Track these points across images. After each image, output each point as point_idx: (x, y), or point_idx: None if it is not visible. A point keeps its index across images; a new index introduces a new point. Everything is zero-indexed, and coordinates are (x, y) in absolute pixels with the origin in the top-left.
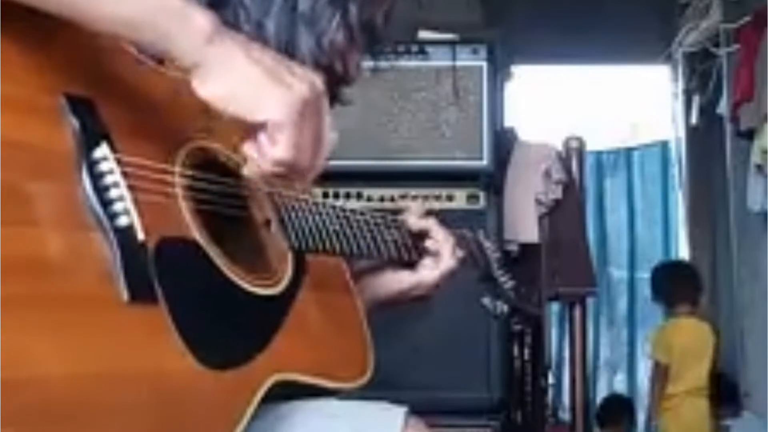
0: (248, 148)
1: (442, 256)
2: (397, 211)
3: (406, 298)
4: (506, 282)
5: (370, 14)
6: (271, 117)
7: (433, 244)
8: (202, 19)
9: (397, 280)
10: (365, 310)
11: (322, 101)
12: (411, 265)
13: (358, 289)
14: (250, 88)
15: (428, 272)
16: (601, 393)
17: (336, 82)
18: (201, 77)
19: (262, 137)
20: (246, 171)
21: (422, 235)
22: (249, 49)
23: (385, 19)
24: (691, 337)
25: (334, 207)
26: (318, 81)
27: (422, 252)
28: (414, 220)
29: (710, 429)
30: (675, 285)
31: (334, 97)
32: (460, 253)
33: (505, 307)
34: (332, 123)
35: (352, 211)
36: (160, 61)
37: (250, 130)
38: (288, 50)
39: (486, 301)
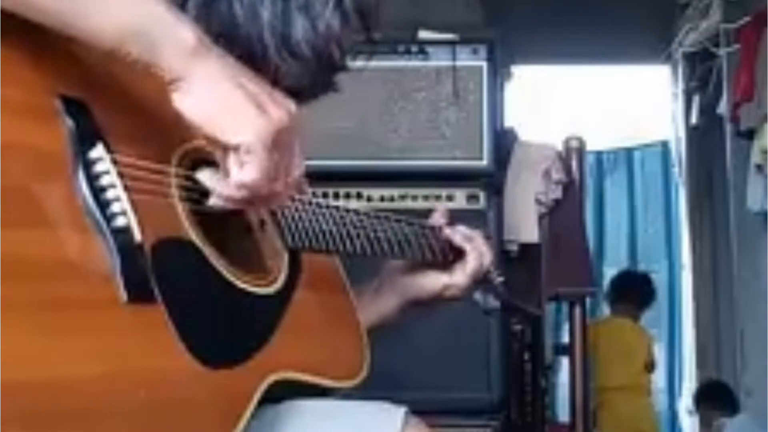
0: (204, 178)
1: (467, 256)
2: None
3: (442, 299)
4: (497, 278)
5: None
6: (245, 140)
7: (459, 241)
8: (188, 33)
9: (431, 282)
10: (398, 308)
11: (296, 131)
12: (441, 266)
13: (391, 287)
14: (228, 109)
15: (459, 273)
16: None
17: (331, 70)
18: (181, 91)
19: (231, 159)
20: (210, 202)
21: (446, 237)
22: (232, 69)
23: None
24: (619, 336)
25: (329, 206)
26: (294, 108)
27: (447, 254)
28: (436, 221)
29: (654, 424)
30: (620, 292)
31: (330, 85)
32: (485, 250)
33: (497, 303)
34: (301, 159)
35: (347, 210)
36: None
37: (218, 148)
38: (284, 37)
39: (477, 295)
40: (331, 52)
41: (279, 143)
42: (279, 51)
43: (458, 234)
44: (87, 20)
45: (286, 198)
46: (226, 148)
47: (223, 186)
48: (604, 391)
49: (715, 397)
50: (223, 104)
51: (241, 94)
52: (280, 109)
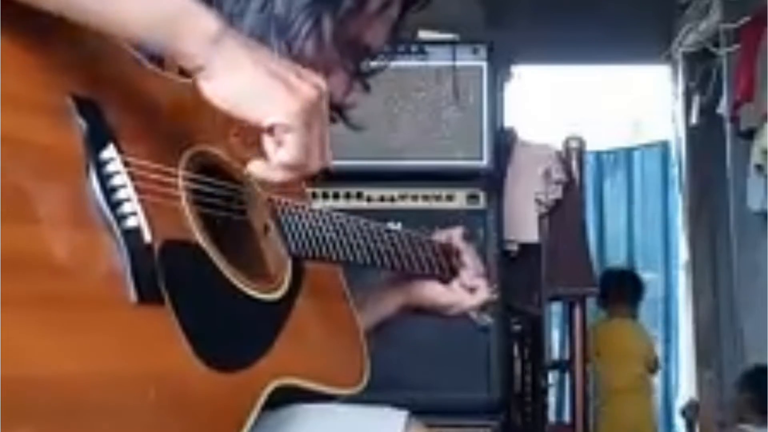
0: (253, 166)
1: (478, 288)
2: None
3: (444, 314)
4: (491, 294)
5: (356, 32)
6: (279, 120)
7: (465, 261)
8: (210, 20)
9: (436, 295)
10: (400, 308)
11: (326, 103)
12: (440, 281)
13: (396, 288)
14: (257, 90)
15: (468, 297)
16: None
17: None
18: (207, 78)
19: (268, 142)
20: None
21: (451, 254)
22: (256, 53)
23: (391, 36)
24: (624, 338)
25: (331, 215)
26: (322, 83)
27: (445, 269)
28: (445, 238)
29: (654, 426)
30: (615, 292)
31: None
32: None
33: (491, 319)
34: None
35: (348, 220)
36: (160, 64)
37: (253, 132)
38: None
39: (471, 312)
40: None
41: (312, 118)
42: None
43: (464, 273)
44: (109, 12)
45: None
46: (257, 131)
47: (266, 168)
48: (605, 393)
49: (754, 387)
50: (252, 86)
51: (268, 75)
52: (308, 85)
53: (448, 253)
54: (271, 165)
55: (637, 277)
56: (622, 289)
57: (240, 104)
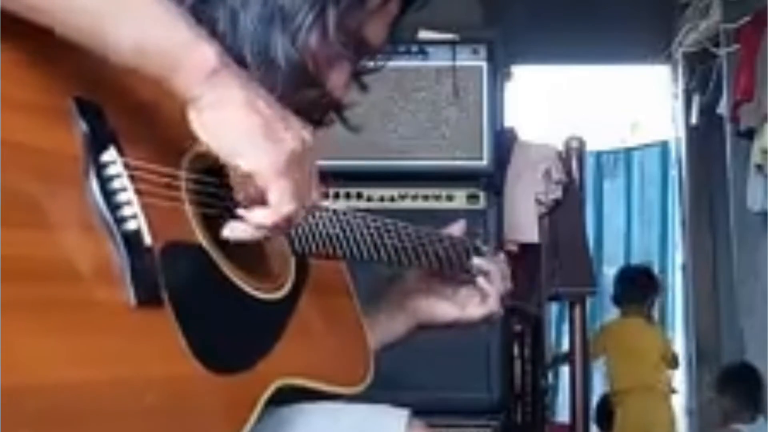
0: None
1: (488, 294)
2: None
3: (450, 328)
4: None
5: (358, 22)
6: (254, 168)
7: (481, 284)
8: (208, 54)
9: (442, 312)
10: (408, 329)
11: (311, 157)
12: (447, 277)
13: (401, 309)
14: (240, 135)
15: (476, 308)
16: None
17: (306, 84)
18: (196, 111)
19: (245, 184)
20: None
21: (464, 252)
22: (248, 92)
23: (389, 32)
24: (626, 337)
25: (335, 211)
26: (308, 135)
27: (454, 263)
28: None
29: (667, 426)
30: (624, 288)
31: (318, 121)
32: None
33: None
34: (317, 184)
35: (354, 215)
36: None
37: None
38: (262, 47)
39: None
40: (308, 67)
41: (291, 170)
42: (255, 59)
43: (481, 278)
44: (105, 35)
45: (300, 221)
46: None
47: (240, 230)
48: (617, 393)
49: (736, 384)
50: (236, 129)
51: (254, 120)
52: (293, 136)
53: (460, 251)
54: (269, 214)
55: (653, 276)
56: (630, 287)
57: (222, 144)
